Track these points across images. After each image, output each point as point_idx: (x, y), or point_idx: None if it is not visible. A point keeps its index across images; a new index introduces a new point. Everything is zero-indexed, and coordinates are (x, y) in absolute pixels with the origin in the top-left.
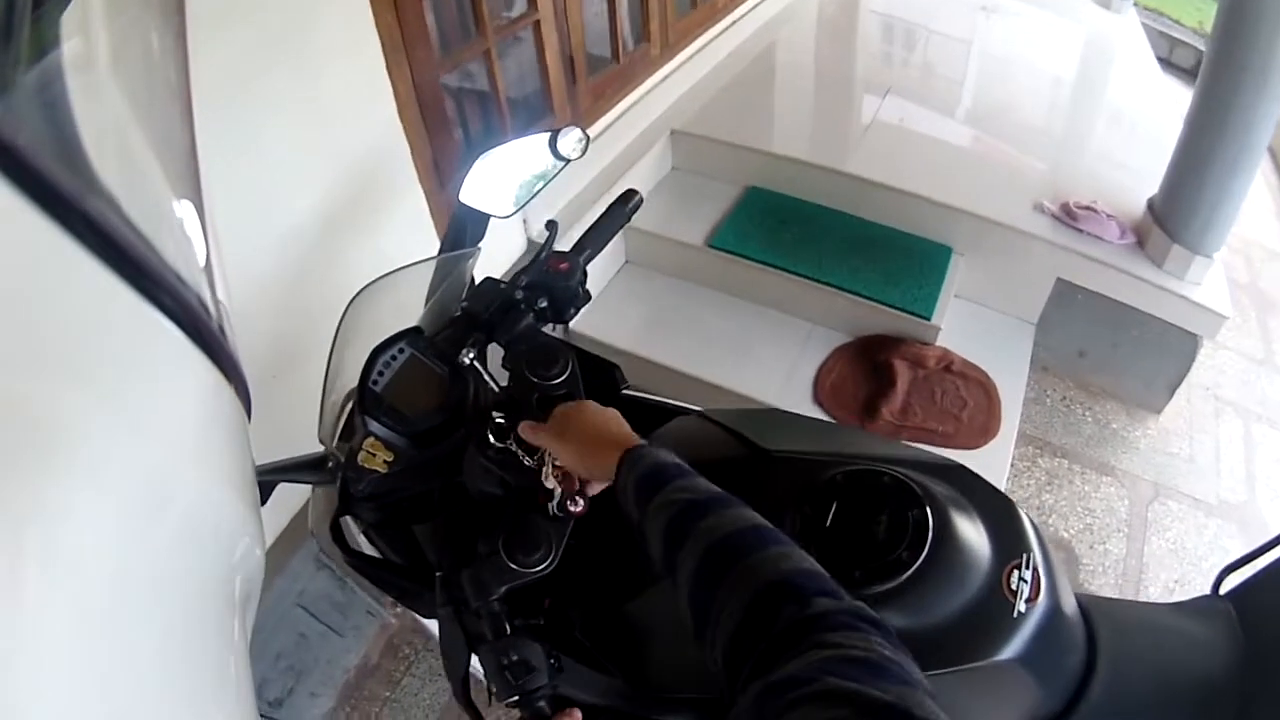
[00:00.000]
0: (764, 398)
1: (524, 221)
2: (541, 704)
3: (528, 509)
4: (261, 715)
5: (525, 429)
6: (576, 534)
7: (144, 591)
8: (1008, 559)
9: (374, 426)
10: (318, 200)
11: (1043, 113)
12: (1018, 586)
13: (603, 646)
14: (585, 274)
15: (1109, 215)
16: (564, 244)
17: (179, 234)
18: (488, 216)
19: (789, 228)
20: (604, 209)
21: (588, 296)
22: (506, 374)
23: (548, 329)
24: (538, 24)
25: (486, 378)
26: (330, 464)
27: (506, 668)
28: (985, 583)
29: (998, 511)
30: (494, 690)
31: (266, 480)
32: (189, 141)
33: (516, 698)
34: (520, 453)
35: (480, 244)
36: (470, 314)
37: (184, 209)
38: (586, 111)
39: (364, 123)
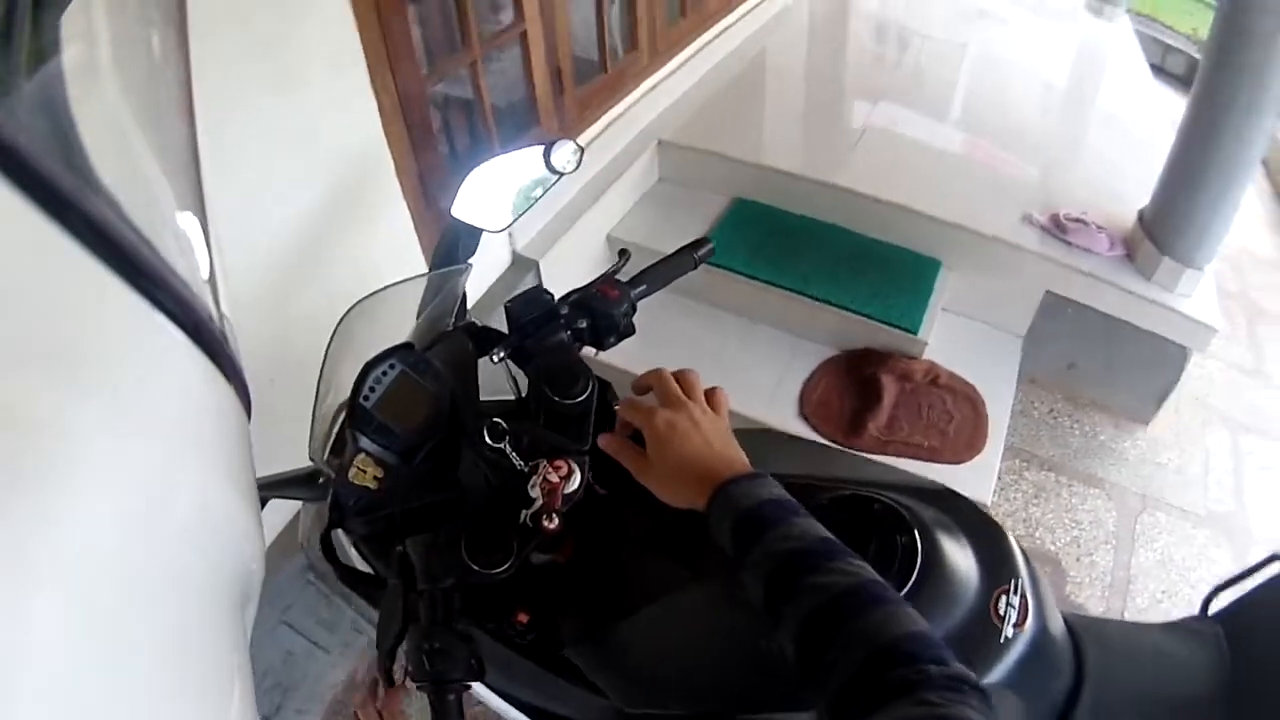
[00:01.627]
0: (749, 412)
1: (510, 235)
2: (451, 699)
3: (502, 512)
4: None
5: (609, 442)
6: (576, 552)
7: (145, 592)
8: (996, 584)
9: (364, 443)
10: (299, 214)
11: (1034, 120)
12: (1005, 612)
13: (594, 666)
14: (634, 308)
15: (1099, 228)
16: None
17: (180, 234)
18: (480, 231)
19: (776, 240)
20: (672, 250)
21: (631, 330)
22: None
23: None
24: (524, 34)
25: (513, 378)
26: (321, 480)
27: (425, 653)
28: (973, 608)
29: (986, 536)
30: (409, 670)
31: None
32: (191, 143)
33: (428, 684)
34: (514, 456)
35: (472, 259)
36: (510, 316)
37: (185, 209)
38: (574, 122)
39: (348, 136)
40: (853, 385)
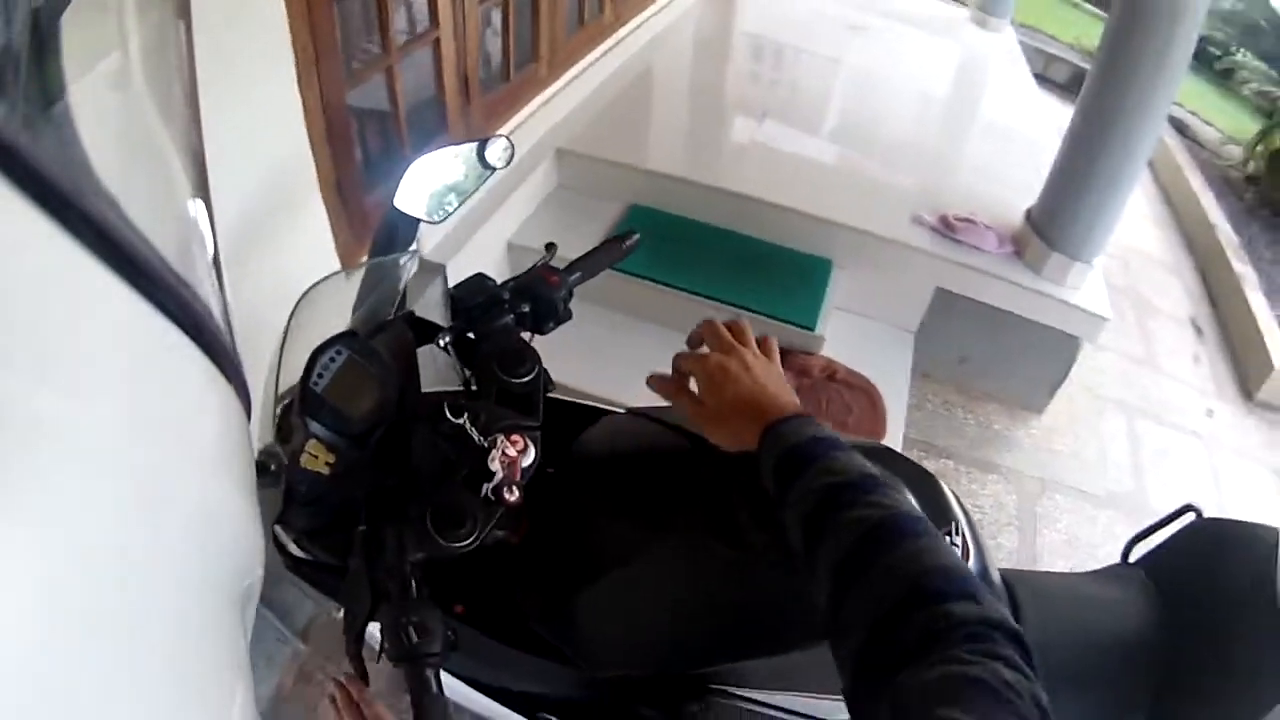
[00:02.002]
0: (659, 413)
1: (415, 241)
2: (429, 674)
3: (464, 486)
4: None
5: (665, 385)
6: (534, 522)
7: (145, 592)
8: (938, 527)
9: (315, 428)
10: (224, 219)
11: (916, 128)
12: None
13: (561, 636)
14: (571, 294)
15: (987, 226)
16: None
17: (180, 233)
18: (418, 222)
19: (672, 245)
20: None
21: (569, 315)
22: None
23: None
24: (438, 41)
25: (457, 364)
26: (273, 467)
27: (404, 627)
28: None
29: (923, 485)
30: (386, 648)
31: None
32: (196, 140)
33: (408, 660)
34: (473, 430)
35: (413, 248)
36: (455, 301)
37: (187, 208)
38: (479, 130)
39: (271, 139)
40: None
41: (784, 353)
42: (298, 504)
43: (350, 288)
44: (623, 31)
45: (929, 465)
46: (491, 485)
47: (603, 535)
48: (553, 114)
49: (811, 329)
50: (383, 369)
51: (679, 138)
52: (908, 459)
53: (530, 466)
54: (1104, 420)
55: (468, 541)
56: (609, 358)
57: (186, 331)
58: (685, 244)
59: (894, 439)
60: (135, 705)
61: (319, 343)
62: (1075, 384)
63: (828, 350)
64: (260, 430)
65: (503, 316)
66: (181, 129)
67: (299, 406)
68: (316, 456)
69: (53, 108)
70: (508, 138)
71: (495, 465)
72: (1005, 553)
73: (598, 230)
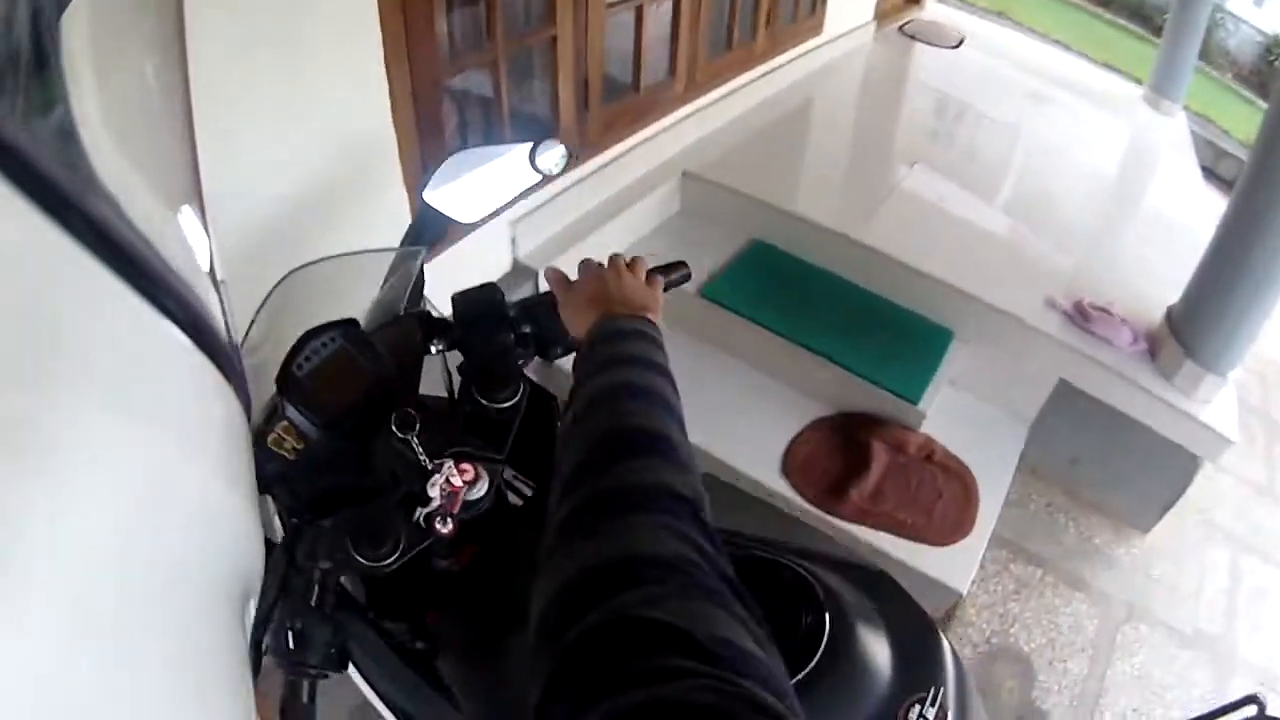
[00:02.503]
0: (732, 460)
1: (513, 241)
2: (306, 685)
3: (400, 505)
4: None
5: (550, 270)
6: (476, 561)
7: (144, 592)
8: (912, 691)
9: (290, 412)
10: (292, 190)
11: (1074, 207)
12: None
13: (456, 678)
14: None
15: (1123, 320)
16: None
17: (180, 234)
18: (447, 219)
19: (787, 288)
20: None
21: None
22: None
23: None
24: (554, 40)
25: (446, 375)
26: None
27: (287, 631)
28: (876, 713)
29: (914, 634)
30: (269, 645)
31: None
32: (189, 141)
33: (283, 664)
34: (419, 448)
35: (426, 245)
36: (456, 309)
37: (185, 208)
38: (595, 139)
39: (354, 117)
40: (843, 448)
41: (881, 423)
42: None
43: (350, 272)
44: (776, 61)
45: (1014, 570)
46: (425, 512)
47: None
48: (684, 135)
49: (914, 402)
50: (375, 364)
51: (817, 178)
52: (909, 598)
53: (480, 501)
54: (1209, 550)
55: (385, 562)
56: (697, 395)
57: (186, 331)
58: (800, 289)
59: (981, 534)
60: (135, 705)
61: (312, 325)
62: (1187, 505)
63: (929, 427)
64: None
65: (503, 333)
66: (171, 126)
67: (278, 386)
68: (285, 440)
69: (53, 108)
70: (567, 145)
71: (434, 491)
72: (1070, 680)
73: (713, 259)
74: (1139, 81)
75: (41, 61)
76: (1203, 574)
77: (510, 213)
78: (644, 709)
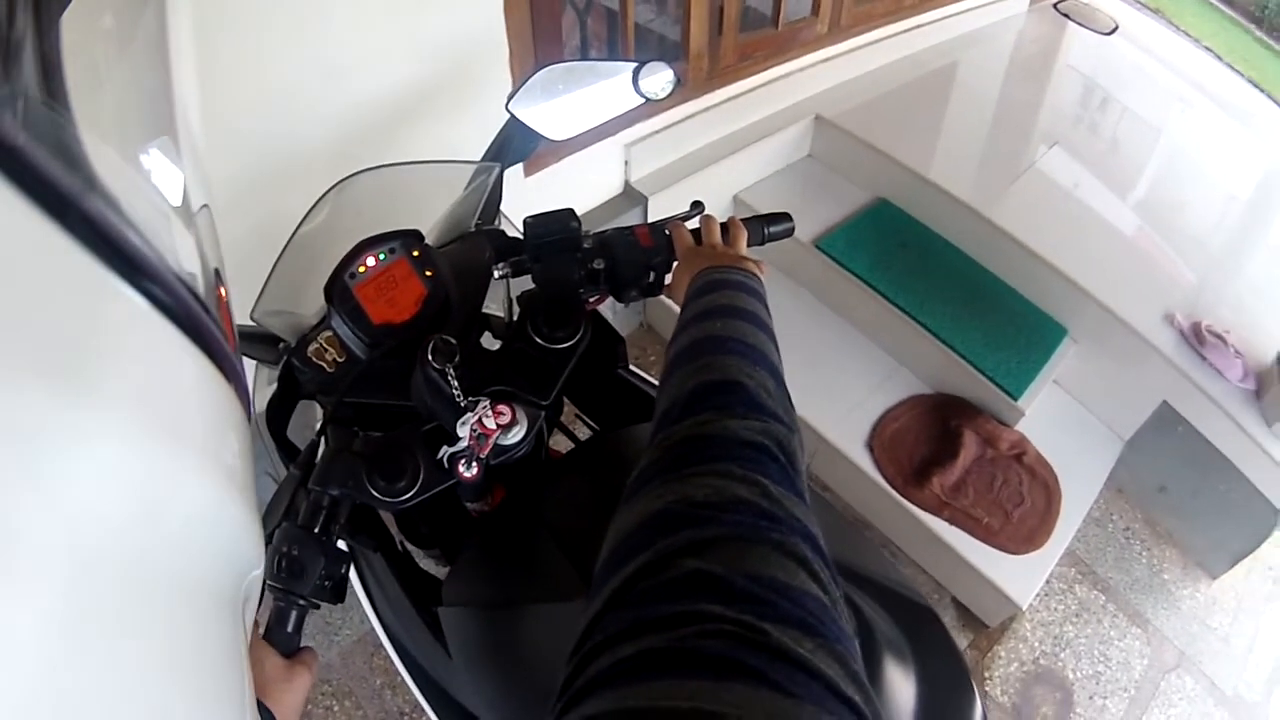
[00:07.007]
0: (818, 423)
1: (626, 164)
2: (293, 614)
3: (424, 440)
4: None
5: (678, 227)
6: (504, 506)
7: (143, 593)
8: None
9: (335, 322)
10: (390, 81)
11: (1205, 223)
12: None
13: (453, 631)
14: (669, 264)
15: (1237, 352)
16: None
17: (180, 232)
18: (538, 136)
19: (906, 254)
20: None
21: (655, 289)
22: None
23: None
24: None
25: (506, 302)
26: (281, 345)
27: (283, 556)
28: None
29: (947, 684)
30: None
31: None
32: (189, 141)
33: (274, 587)
34: (453, 383)
35: (507, 162)
36: (526, 232)
37: (186, 207)
38: (727, 69)
39: (460, 10)
40: (933, 431)
41: (977, 413)
42: (280, 392)
43: (414, 182)
44: (926, 16)
45: (1078, 593)
46: (450, 451)
47: (547, 564)
48: (821, 78)
49: (1015, 398)
50: (434, 281)
51: (953, 146)
52: (950, 640)
53: (517, 447)
54: (1269, 610)
55: (401, 499)
56: (795, 348)
57: (186, 331)
58: (919, 257)
59: (1055, 548)
60: (134, 705)
61: (371, 235)
62: (1258, 559)
63: (1027, 425)
64: (264, 298)
65: (570, 265)
66: (171, 126)
67: (326, 294)
68: (326, 350)
69: (53, 108)
70: (675, 72)
71: (463, 430)
72: (1109, 716)
73: (836, 211)
74: None
75: (42, 61)
76: (1257, 634)
77: (626, 134)
78: (652, 655)
